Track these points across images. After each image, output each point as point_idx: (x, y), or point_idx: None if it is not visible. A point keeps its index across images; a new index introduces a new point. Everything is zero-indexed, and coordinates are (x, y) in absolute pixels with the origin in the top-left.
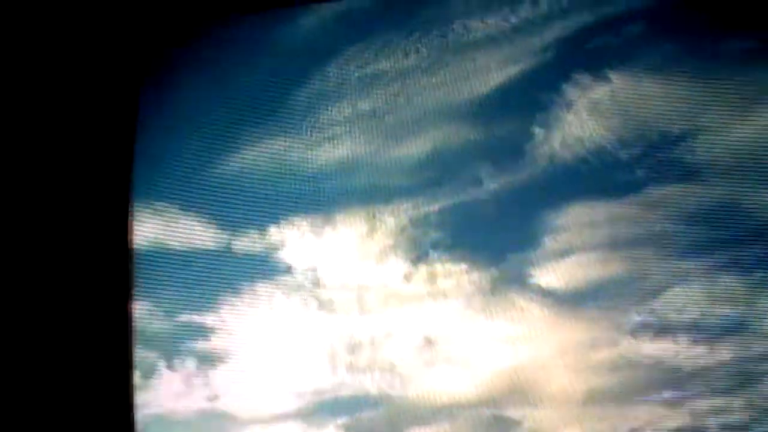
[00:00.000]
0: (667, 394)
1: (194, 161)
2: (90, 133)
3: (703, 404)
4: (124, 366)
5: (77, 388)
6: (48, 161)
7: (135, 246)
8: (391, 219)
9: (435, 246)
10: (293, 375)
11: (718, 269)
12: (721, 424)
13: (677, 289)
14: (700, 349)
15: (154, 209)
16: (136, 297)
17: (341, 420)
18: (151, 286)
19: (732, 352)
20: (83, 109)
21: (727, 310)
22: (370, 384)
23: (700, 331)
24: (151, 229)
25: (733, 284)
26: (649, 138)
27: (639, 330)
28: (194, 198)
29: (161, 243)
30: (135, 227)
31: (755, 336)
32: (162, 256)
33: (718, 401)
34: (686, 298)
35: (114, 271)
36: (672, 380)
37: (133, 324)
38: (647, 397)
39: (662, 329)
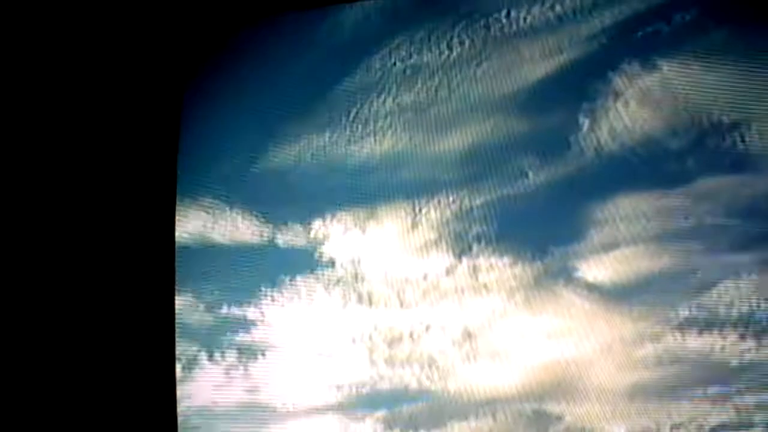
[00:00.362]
0: (712, 390)
1: (238, 157)
2: (136, 129)
3: (749, 400)
4: (167, 359)
5: (121, 380)
6: (93, 156)
7: (179, 240)
8: (434, 213)
9: (478, 239)
10: (332, 368)
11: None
12: (767, 420)
13: (727, 283)
14: (748, 344)
15: (199, 204)
16: (178, 291)
17: (380, 413)
18: (193, 279)
19: None
20: (130, 105)
21: None
22: (410, 378)
23: (748, 325)
24: (195, 223)
25: None
26: (700, 128)
27: (686, 325)
28: (238, 193)
29: (204, 237)
30: (179, 222)
31: None
32: (205, 250)
33: (765, 397)
34: (736, 293)
35: (157, 265)
36: (718, 376)
37: (176, 317)
38: (692, 393)
39: (710, 324)
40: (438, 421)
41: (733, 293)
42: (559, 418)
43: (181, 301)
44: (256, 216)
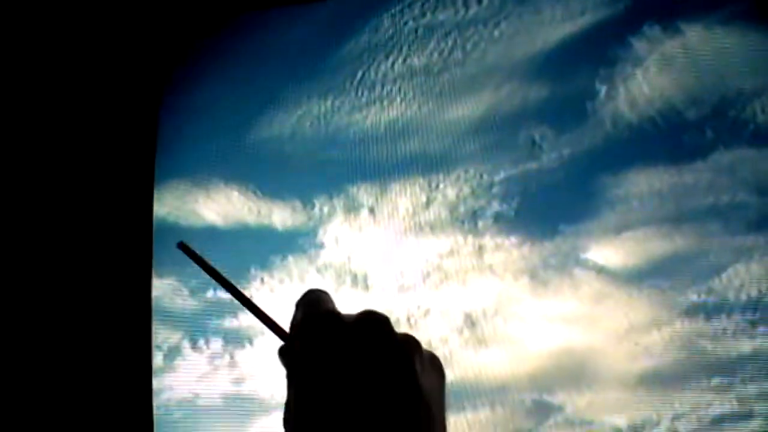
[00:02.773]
0: (716, 379)
1: (227, 127)
2: (113, 98)
3: (752, 390)
4: (142, 347)
5: (92, 371)
6: (65, 129)
7: (158, 220)
8: (438, 187)
9: (484, 216)
10: None
11: None
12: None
13: (739, 267)
14: (755, 332)
15: (183, 180)
16: (160, 274)
17: None
18: (177, 262)
19: None
20: (109, 73)
21: None
22: None
23: (756, 311)
24: (177, 201)
25: None
26: (720, 97)
27: (695, 310)
28: (228, 167)
29: (190, 216)
30: (159, 200)
31: None
32: (190, 230)
33: None
34: (747, 277)
35: (133, 247)
36: (722, 364)
37: (152, 303)
38: (695, 382)
39: (719, 309)
40: None
41: (743, 277)
42: (560, 408)
43: (162, 286)
44: (247, 192)
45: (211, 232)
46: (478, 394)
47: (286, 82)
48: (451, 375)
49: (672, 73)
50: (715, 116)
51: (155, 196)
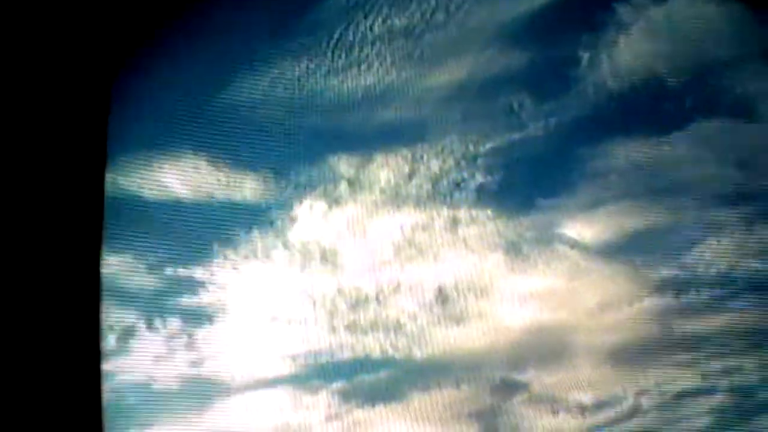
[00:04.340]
0: (681, 355)
1: (192, 91)
2: (64, 67)
3: (716, 366)
4: (92, 327)
5: (36, 354)
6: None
7: (113, 193)
8: (416, 157)
9: (459, 188)
10: (288, 335)
11: (754, 219)
12: (731, 386)
13: (710, 241)
14: (722, 307)
15: (149, 150)
16: (115, 250)
17: (337, 385)
18: (134, 237)
19: (753, 311)
20: (59, 43)
21: (757, 265)
22: (373, 345)
23: (724, 287)
24: (134, 173)
25: (766, 236)
26: (701, 66)
27: (664, 286)
28: (190, 135)
29: (152, 187)
30: (114, 171)
31: None
32: (148, 203)
33: (732, 362)
34: (717, 252)
35: (82, 221)
36: (688, 340)
37: (102, 280)
38: (660, 358)
39: (688, 285)
40: (399, 393)
41: (714, 252)
42: (526, 386)
43: (117, 263)
44: (211, 162)
45: (176, 205)
46: (445, 371)
47: (257, 43)
48: (419, 352)
49: (654, 41)
50: (694, 86)
51: (109, 167)
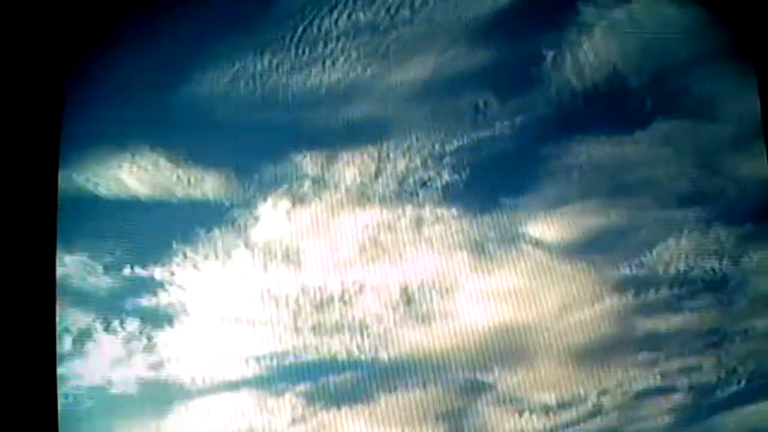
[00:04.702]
0: (642, 355)
1: (146, 87)
2: (15, 60)
3: (675, 365)
4: (45, 329)
5: None
6: None
7: (68, 191)
8: (380, 155)
9: (425, 186)
10: (251, 337)
11: (712, 219)
12: (691, 384)
13: (669, 242)
14: (681, 306)
15: (106, 146)
16: (70, 251)
17: (302, 387)
18: (89, 237)
19: (711, 310)
20: (12, 36)
21: (715, 264)
22: (338, 347)
23: (683, 286)
24: (90, 170)
25: (724, 236)
26: (664, 66)
27: (624, 286)
28: (148, 132)
29: (110, 184)
30: (67, 169)
31: (735, 294)
32: (104, 202)
33: (691, 361)
34: (676, 251)
35: (34, 220)
36: (648, 339)
37: (56, 281)
38: (622, 358)
39: (647, 284)
40: (365, 395)
41: (673, 251)
42: (491, 386)
43: (72, 263)
44: (170, 160)
45: (135, 203)
46: (412, 372)
47: (218, 37)
48: (385, 353)
49: (617, 40)
50: (655, 86)
51: (63, 164)
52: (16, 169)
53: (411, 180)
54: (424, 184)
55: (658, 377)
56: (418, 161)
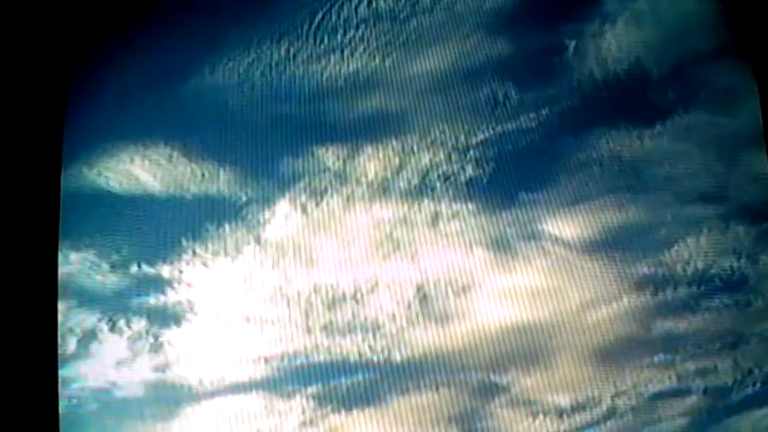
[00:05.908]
0: (657, 356)
1: (158, 79)
2: (19, 55)
3: (691, 366)
4: (47, 330)
5: None
6: None
7: (73, 187)
8: (397, 148)
9: (443, 180)
10: (261, 337)
11: (731, 217)
12: (706, 386)
13: (689, 240)
14: (699, 306)
15: (107, 141)
16: (75, 248)
17: (313, 389)
18: (96, 233)
19: (728, 310)
20: (20, 28)
21: (733, 263)
22: (350, 347)
23: (701, 285)
24: (97, 164)
25: (742, 234)
26: (686, 57)
27: (642, 284)
28: (157, 126)
29: (122, 180)
30: (68, 163)
31: (752, 294)
32: (113, 197)
33: (707, 363)
34: (695, 249)
35: (36, 217)
36: (665, 340)
37: (58, 278)
38: (638, 359)
39: (665, 283)
40: (376, 397)
41: (692, 250)
42: (505, 388)
43: (78, 260)
44: (184, 153)
45: (146, 198)
46: (424, 374)
47: (233, 25)
48: (397, 354)
49: (639, 31)
50: (677, 78)
51: (67, 157)
52: (17, 163)
53: (434, 174)
54: (447, 178)
55: (674, 379)
56: (434, 156)
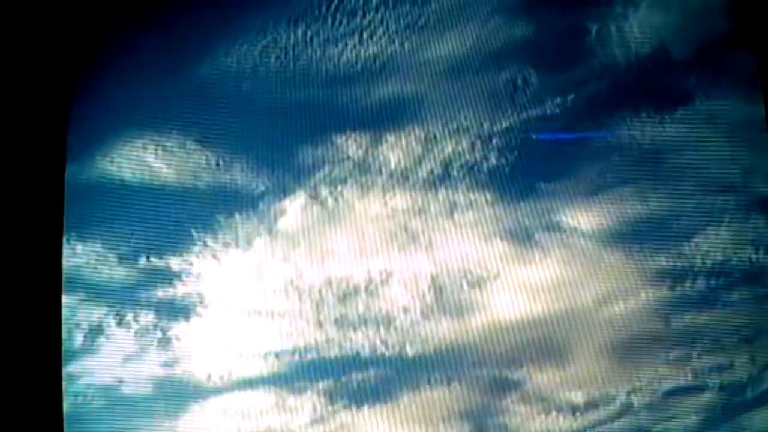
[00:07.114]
0: (674, 351)
1: (169, 65)
2: (25, 44)
3: (707, 362)
4: (50, 324)
5: None
6: None
7: (78, 177)
8: (410, 135)
9: (459, 168)
10: (271, 331)
11: (752, 207)
12: (722, 382)
13: (708, 231)
14: (717, 299)
15: (117, 129)
16: (82, 239)
17: (323, 384)
18: (103, 224)
19: (745, 304)
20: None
21: (752, 255)
22: (362, 341)
23: (719, 277)
24: (105, 154)
25: (762, 225)
26: (710, 42)
27: (661, 277)
28: (169, 114)
29: (135, 170)
30: (79, 151)
31: None
32: (123, 187)
33: (723, 359)
34: (715, 241)
35: (40, 207)
36: (682, 335)
37: (63, 271)
38: (655, 354)
39: (684, 276)
40: (388, 392)
41: (712, 241)
42: (518, 384)
43: (84, 252)
44: (191, 142)
45: (158, 188)
46: (437, 369)
47: (247, 7)
48: (410, 349)
49: (663, 14)
50: (699, 62)
51: (72, 146)
52: (20, 153)
53: (457, 163)
54: (471, 168)
55: (689, 375)
56: (464, 144)
